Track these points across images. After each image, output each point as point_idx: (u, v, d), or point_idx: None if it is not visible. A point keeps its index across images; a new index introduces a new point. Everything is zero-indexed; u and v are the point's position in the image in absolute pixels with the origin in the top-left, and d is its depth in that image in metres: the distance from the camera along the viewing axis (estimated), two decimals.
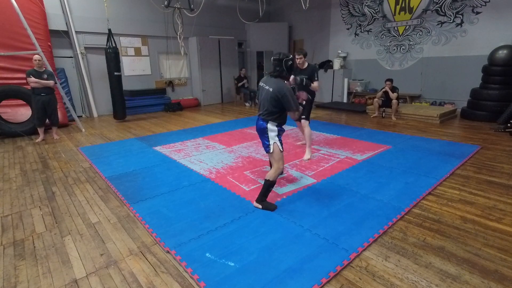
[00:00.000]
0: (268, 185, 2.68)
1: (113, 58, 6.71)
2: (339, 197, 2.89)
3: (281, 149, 2.63)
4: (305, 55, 3.93)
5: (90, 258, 2.08)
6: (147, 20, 8.37)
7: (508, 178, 3.27)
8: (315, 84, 3.89)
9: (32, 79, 5.06)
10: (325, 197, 2.90)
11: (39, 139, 5.43)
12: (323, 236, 2.24)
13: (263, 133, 2.64)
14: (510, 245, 2.11)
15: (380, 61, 8.70)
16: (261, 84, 2.73)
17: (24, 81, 5.56)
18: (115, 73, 6.81)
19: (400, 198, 2.83)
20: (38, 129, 5.49)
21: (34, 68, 5.16)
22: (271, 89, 2.53)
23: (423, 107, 7.04)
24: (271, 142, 2.60)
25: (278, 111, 2.58)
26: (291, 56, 2.60)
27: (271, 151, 2.61)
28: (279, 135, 2.65)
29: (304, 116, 4.01)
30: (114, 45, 6.67)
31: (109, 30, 6.61)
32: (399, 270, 1.87)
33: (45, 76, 5.22)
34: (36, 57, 5.17)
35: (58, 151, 4.80)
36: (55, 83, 5.41)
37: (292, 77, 3.74)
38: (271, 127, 2.60)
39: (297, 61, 3.89)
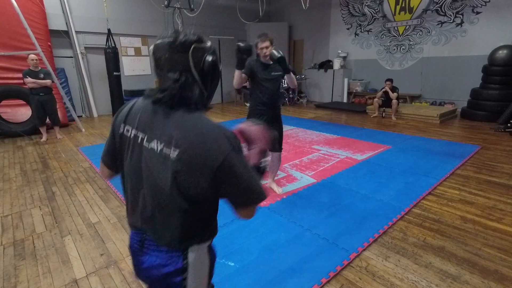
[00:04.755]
0: None
1: (112, 58, 6.74)
2: (339, 197, 2.88)
3: None
4: (272, 42, 2.50)
5: (90, 258, 2.08)
6: (147, 20, 8.36)
7: (508, 178, 3.27)
8: (292, 77, 2.62)
9: (29, 79, 4.99)
10: (325, 197, 2.90)
11: (43, 139, 5.43)
12: (323, 236, 2.24)
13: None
14: (510, 245, 2.11)
15: (380, 61, 8.69)
16: (124, 130, 0.90)
17: None
18: (114, 73, 6.83)
19: (400, 198, 2.83)
20: (40, 129, 5.48)
21: (30, 68, 5.08)
22: (175, 153, 0.76)
23: (423, 107, 7.04)
24: None
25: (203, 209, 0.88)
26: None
27: None
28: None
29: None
30: (113, 45, 6.69)
31: (109, 30, 6.62)
32: (399, 270, 1.87)
33: (41, 75, 5.13)
34: (31, 56, 5.07)
35: (58, 151, 4.79)
36: (53, 82, 5.38)
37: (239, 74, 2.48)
38: (197, 261, 0.91)
39: (263, 51, 2.47)
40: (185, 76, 0.79)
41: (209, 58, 0.81)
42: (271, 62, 2.51)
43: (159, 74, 0.82)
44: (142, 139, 0.83)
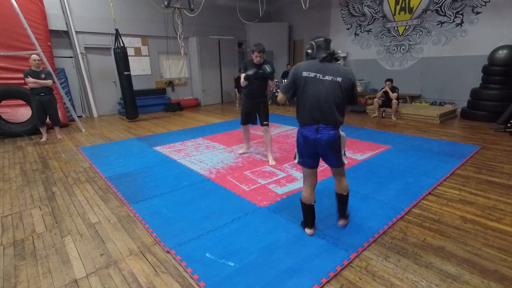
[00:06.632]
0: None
1: (122, 58, 6.74)
2: None
3: None
4: (263, 51, 3.55)
5: (90, 258, 2.08)
6: (147, 20, 8.36)
7: (508, 178, 3.27)
8: (272, 83, 3.82)
9: (30, 79, 5.01)
10: (325, 197, 2.90)
11: (43, 139, 5.43)
12: (323, 236, 2.24)
13: (334, 145, 2.04)
14: (510, 245, 2.11)
15: (380, 61, 8.69)
16: (308, 74, 1.99)
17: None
18: (125, 73, 6.83)
19: (400, 198, 2.83)
20: (40, 129, 5.48)
21: (31, 68, 5.10)
22: (340, 79, 1.93)
23: (423, 107, 7.04)
24: (343, 151, 2.15)
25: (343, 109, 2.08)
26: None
27: (346, 162, 2.23)
28: None
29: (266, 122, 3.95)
30: (122, 44, 6.69)
31: (116, 30, 6.63)
32: (399, 270, 1.87)
33: (43, 75, 5.16)
34: (34, 56, 5.09)
35: (58, 151, 4.80)
36: (54, 82, 5.38)
37: (242, 75, 3.65)
38: (343, 134, 2.09)
39: (257, 58, 3.54)
40: (331, 51, 2.00)
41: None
42: (260, 63, 3.58)
43: (319, 52, 2.01)
44: (320, 76, 1.96)
